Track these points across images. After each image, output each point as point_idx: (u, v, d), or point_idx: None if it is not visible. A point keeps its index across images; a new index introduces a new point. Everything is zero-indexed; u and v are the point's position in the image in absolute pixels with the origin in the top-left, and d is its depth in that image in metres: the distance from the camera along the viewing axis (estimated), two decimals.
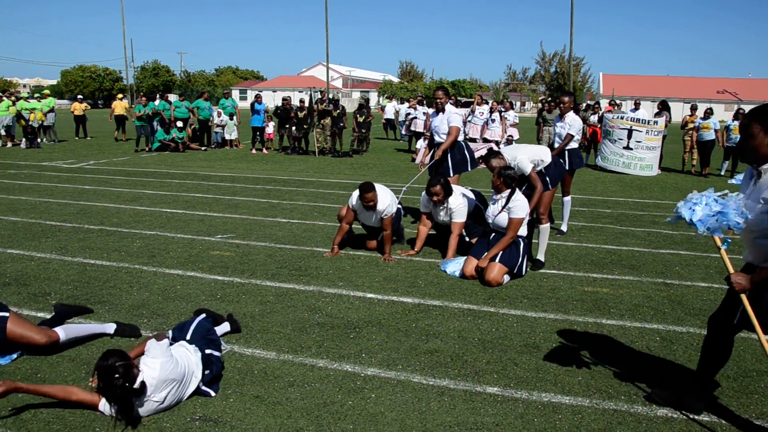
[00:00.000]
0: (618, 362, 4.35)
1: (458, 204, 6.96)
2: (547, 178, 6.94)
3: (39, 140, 21.04)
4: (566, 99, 8.35)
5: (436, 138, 8.22)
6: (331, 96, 19.95)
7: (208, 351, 3.97)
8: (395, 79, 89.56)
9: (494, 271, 6.02)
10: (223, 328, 4.69)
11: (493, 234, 6.39)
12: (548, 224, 6.82)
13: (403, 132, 23.33)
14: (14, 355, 4.28)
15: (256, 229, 8.31)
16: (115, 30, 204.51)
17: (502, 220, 6.26)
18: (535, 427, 3.49)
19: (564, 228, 8.46)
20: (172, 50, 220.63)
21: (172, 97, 25.60)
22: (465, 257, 6.54)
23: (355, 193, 6.98)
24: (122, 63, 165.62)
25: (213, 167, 15.63)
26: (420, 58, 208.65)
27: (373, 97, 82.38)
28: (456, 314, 5.24)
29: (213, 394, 3.80)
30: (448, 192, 6.92)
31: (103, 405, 3.50)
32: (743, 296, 3.30)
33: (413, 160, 17.85)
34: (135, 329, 4.74)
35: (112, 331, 4.69)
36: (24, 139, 20.53)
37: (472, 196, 7.28)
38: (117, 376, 3.34)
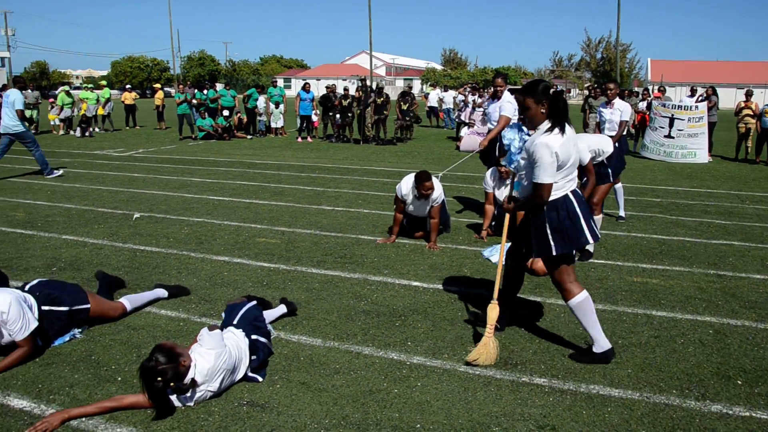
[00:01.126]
0: (669, 355, 4.25)
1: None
2: (609, 170, 6.77)
3: (92, 129, 21.63)
4: (612, 85, 8.26)
5: (489, 125, 8.17)
6: (375, 84, 19.89)
7: (254, 336, 4.01)
8: (439, 67, 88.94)
9: (540, 261, 5.94)
10: (280, 310, 4.77)
11: None
12: (601, 216, 6.67)
13: (453, 118, 23.32)
14: (66, 337, 4.41)
15: (301, 217, 8.37)
16: (163, 20, 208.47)
17: None
18: (584, 419, 3.44)
19: (623, 213, 8.36)
20: (218, 40, 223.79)
21: (218, 86, 26.08)
22: (500, 245, 6.51)
23: (405, 183, 6.85)
24: (169, 53, 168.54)
25: (258, 155, 15.79)
26: (463, 46, 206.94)
27: (417, 85, 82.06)
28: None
29: (260, 379, 3.85)
30: None
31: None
32: (507, 216, 4.50)
33: (457, 148, 17.74)
34: (184, 290, 5.37)
35: (166, 295, 5.22)
36: (78, 128, 21.16)
37: None
38: (159, 379, 3.36)
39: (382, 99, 19.22)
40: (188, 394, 3.52)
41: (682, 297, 5.39)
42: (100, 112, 22.58)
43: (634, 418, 3.45)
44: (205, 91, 21.06)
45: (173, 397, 3.50)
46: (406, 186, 6.84)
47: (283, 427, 3.34)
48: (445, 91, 27.57)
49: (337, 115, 19.49)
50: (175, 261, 6.30)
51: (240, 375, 3.82)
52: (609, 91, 8.23)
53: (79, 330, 4.51)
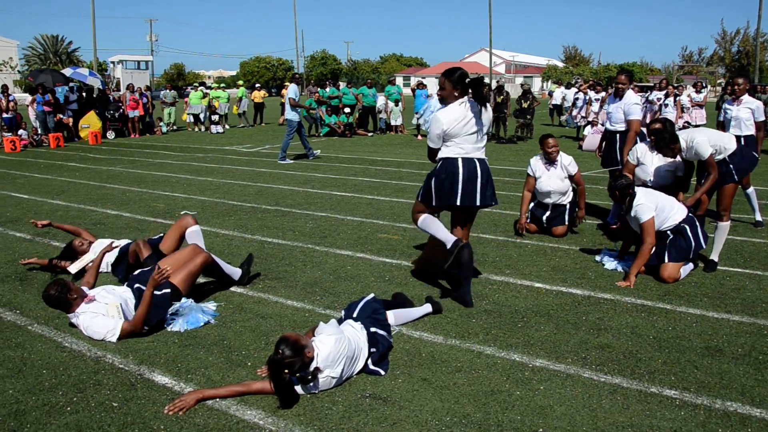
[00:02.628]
0: None
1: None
2: (732, 167, 6.32)
3: (222, 126, 22.97)
4: (741, 80, 7.93)
5: (608, 125, 7.79)
6: (495, 82, 19.72)
7: (373, 329, 4.08)
8: (560, 64, 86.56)
9: (668, 270, 5.61)
10: (425, 308, 4.83)
11: None
12: (729, 222, 6.22)
13: (572, 119, 22.50)
14: (201, 323, 4.69)
15: None
16: (288, 22, 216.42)
17: (634, 226, 5.82)
18: None
19: (759, 217, 7.81)
20: (339, 40, 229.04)
21: (341, 85, 26.84)
22: (611, 252, 6.38)
23: (533, 159, 7.34)
24: (293, 53, 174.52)
25: (379, 152, 16.04)
26: (585, 42, 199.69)
27: (537, 83, 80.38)
28: (629, 309, 5.00)
29: (383, 373, 3.92)
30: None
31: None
32: None
33: (580, 147, 17.20)
34: (250, 260, 5.63)
35: (237, 278, 5.46)
36: (212, 125, 22.60)
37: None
38: (286, 371, 3.48)
39: (501, 97, 18.96)
40: (312, 384, 3.65)
41: None
42: (234, 110, 24.04)
43: None
44: (327, 89, 21.75)
45: (298, 387, 3.65)
46: (534, 159, 7.33)
47: (405, 422, 3.39)
48: (568, 88, 26.77)
49: None
50: (300, 254, 6.54)
51: (360, 365, 3.91)
52: (737, 87, 7.90)
53: (212, 315, 4.80)
